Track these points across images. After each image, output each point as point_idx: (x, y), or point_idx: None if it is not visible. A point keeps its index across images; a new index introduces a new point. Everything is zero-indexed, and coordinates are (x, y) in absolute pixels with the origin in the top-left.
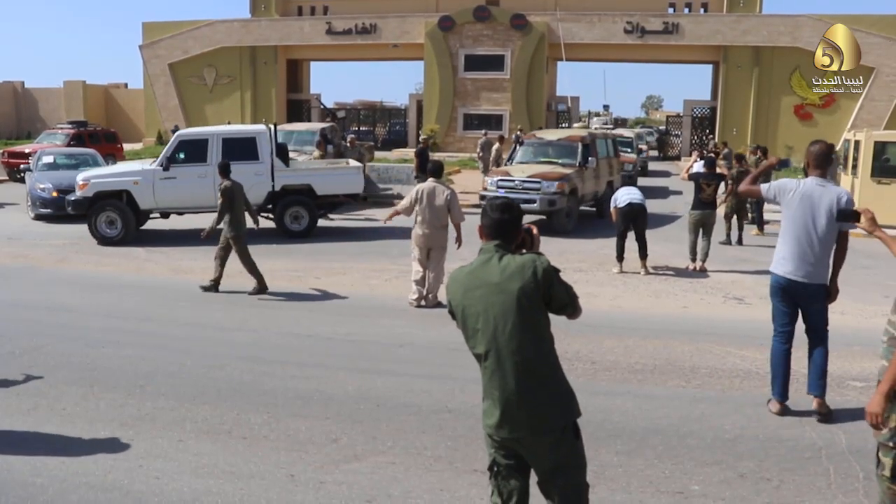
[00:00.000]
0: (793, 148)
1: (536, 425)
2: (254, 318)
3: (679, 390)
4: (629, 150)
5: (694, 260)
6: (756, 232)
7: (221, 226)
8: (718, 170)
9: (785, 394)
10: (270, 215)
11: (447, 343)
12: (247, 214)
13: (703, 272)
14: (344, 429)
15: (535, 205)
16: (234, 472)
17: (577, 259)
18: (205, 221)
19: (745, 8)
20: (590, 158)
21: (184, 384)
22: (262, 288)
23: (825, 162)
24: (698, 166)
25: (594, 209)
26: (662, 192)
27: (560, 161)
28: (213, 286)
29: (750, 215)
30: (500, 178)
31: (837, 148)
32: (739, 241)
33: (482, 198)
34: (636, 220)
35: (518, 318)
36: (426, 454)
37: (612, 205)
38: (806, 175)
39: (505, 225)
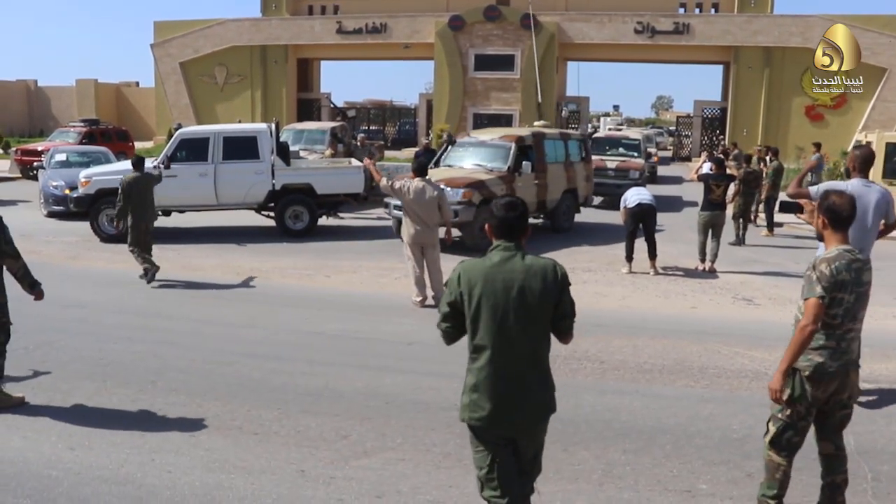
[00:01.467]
0: (803, 149)
1: (541, 413)
2: (263, 315)
3: (687, 390)
4: (636, 154)
5: (703, 261)
6: (766, 233)
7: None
8: (728, 170)
9: None
10: (271, 214)
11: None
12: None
13: (712, 273)
14: (353, 425)
15: None
16: (246, 468)
17: (585, 259)
18: (207, 219)
19: (756, 8)
20: (524, 163)
21: (195, 380)
22: (148, 273)
23: (869, 164)
24: (707, 167)
25: (546, 222)
26: (675, 204)
27: (488, 165)
28: (148, 273)
29: (756, 217)
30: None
31: (849, 149)
32: (742, 241)
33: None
34: (646, 221)
35: (535, 316)
36: (435, 451)
37: (622, 205)
38: (849, 177)
39: (511, 222)
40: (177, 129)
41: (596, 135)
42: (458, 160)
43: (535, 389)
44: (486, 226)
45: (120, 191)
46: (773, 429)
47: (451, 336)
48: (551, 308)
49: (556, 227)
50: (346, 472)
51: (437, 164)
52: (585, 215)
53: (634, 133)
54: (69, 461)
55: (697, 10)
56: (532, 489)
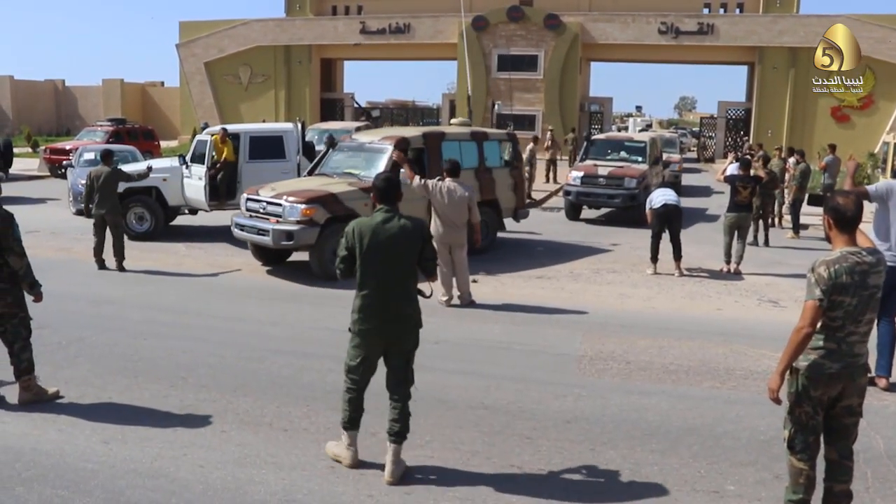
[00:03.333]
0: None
1: (409, 323)
2: (291, 313)
3: (714, 391)
4: (639, 158)
5: (729, 262)
6: (791, 235)
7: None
8: (754, 172)
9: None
10: None
11: (481, 341)
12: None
13: (738, 275)
14: (382, 423)
15: (268, 238)
16: (276, 463)
17: (609, 260)
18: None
19: (781, 8)
20: (401, 171)
21: (224, 376)
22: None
23: None
24: (733, 168)
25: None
26: (700, 216)
27: (361, 173)
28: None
29: (780, 219)
30: (250, 196)
31: (876, 150)
32: (766, 243)
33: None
34: (671, 222)
35: (404, 259)
36: (463, 449)
37: (647, 206)
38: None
39: (386, 192)
40: (203, 129)
41: (595, 136)
42: (336, 166)
43: (403, 309)
44: (371, 194)
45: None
46: (786, 432)
47: (345, 274)
48: (416, 254)
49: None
50: (376, 469)
51: (311, 173)
52: (555, 231)
53: (640, 135)
54: (104, 454)
55: (722, 11)
56: (409, 394)
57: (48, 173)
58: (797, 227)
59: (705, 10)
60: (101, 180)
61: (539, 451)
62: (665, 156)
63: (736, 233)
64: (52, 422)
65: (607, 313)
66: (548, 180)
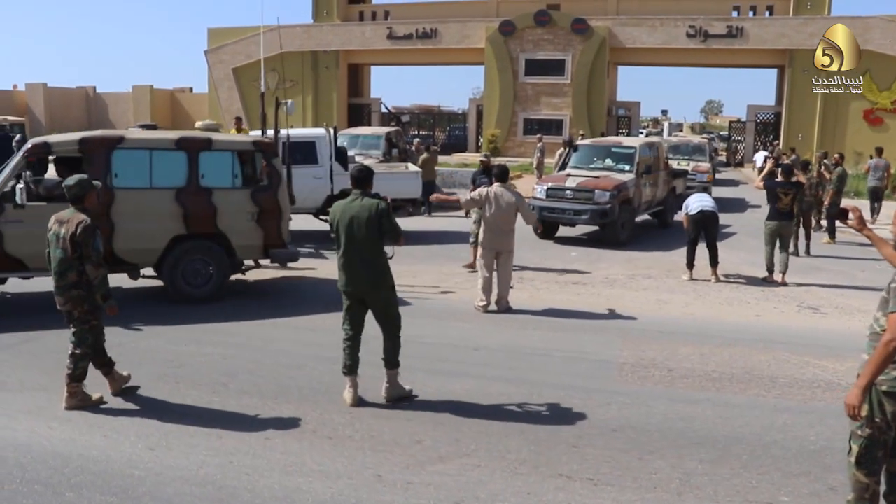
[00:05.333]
0: (862, 154)
1: (373, 281)
2: (328, 319)
3: (759, 399)
4: (627, 167)
5: (771, 272)
6: (827, 241)
7: None
8: (795, 178)
9: None
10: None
11: (521, 347)
12: None
13: (783, 285)
14: (427, 430)
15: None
16: (323, 471)
17: (644, 266)
18: None
19: (812, 10)
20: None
21: (265, 383)
22: None
23: None
24: (761, 158)
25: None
26: (735, 221)
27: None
28: None
29: (821, 223)
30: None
31: None
32: (807, 251)
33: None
34: (707, 228)
35: (366, 229)
36: (510, 457)
37: (683, 211)
38: None
39: (359, 179)
40: (237, 121)
41: (581, 142)
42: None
43: (368, 270)
44: (351, 179)
45: None
46: (855, 447)
47: (335, 242)
48: (377, 226)
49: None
50: (423, 478)
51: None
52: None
53: (630, 139)
54: (149, 461)
55: (751, 13)
56: (394, 332)
57: None
58: (833, 232)
59: (734, 13)
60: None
61: (586, 459)
62: (692, 164)
63: (778, 242)
64: (98, 427)
65: (646, 319)
66: None
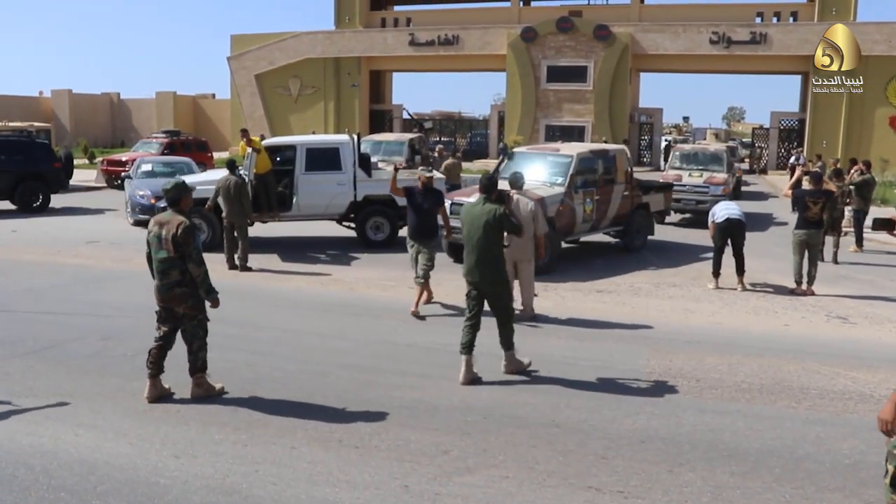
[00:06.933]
0: (888, 161)
1: (491, 277)
2: (351, 326)
3: (790, 411)
4: (559, 179)
5: (800, 283)
6: (854, 249)
7: None
8: (825, 186)
9: None
10: (352, 224)
11: (548, 356)
12: None
13: (812, 295)
14: (454, 440)
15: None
16: (349, 481)
17: (670, 274)
18: (289, 229)
19: (837, 16)
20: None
21: (290, 391)
22: None
23: None
24: (793, 158)
25: None
26: (760, 227)
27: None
28: None
29: (846, 231)
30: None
31: None
32: (835, 260)
33: None
34: (734, 236)
35: (488, 230)
36: (538, 469)
37: (709, 219)
38: None
39: (487, 187)
40: (261, 140)
41: (516, 149)
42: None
43: (489, 266)
44: (479, 186)
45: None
46: (891, 468)
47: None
48: (498, 227)
49: None
50: (451, 489)
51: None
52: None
53: (568, 148)
54: (175, 469)
55: (775, 20)
56: (507, 321)
57: (105, 184)
58: (860, 240)
59: (758, 20)
60: (232, 190)
61: (616, 471)
62: (704, 176)
63: (806, 252)
64: (123, 434)
65: (672, 328)
66: None
